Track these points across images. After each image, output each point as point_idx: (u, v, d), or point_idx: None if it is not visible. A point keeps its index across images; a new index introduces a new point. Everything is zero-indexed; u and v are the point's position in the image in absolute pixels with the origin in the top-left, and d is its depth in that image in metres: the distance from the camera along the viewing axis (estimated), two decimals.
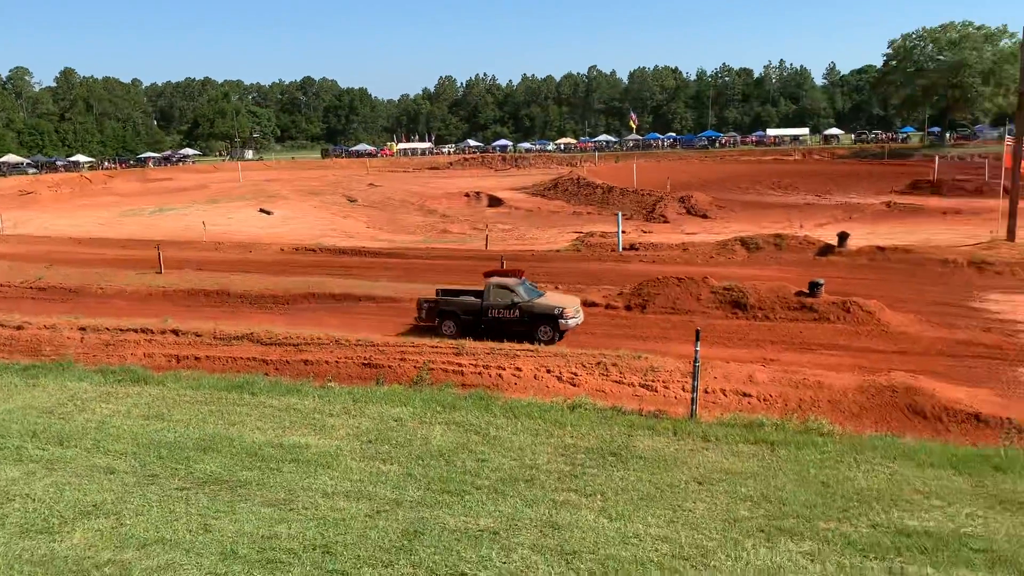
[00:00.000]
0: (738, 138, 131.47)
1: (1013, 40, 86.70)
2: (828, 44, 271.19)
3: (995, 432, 13.83)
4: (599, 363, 18.20)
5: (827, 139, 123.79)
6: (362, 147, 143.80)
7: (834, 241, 33.48)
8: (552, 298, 22.54)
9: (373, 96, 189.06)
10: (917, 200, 52.51)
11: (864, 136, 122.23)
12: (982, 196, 50.13)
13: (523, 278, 23.20)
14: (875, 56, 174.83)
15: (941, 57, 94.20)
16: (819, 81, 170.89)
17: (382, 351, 19.19)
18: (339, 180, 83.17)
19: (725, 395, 16.74)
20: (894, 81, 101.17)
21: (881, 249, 32.32)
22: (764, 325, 23.11)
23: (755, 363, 18.86)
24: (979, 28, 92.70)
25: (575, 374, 17.88)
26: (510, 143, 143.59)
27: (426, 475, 10.30)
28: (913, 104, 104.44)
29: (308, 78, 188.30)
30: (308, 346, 20.13)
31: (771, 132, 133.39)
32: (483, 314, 21.76)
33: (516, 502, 9.39)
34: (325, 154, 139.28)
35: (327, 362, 18.92)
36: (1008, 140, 37.51)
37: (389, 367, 18.09)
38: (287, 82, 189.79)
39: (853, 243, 33.33)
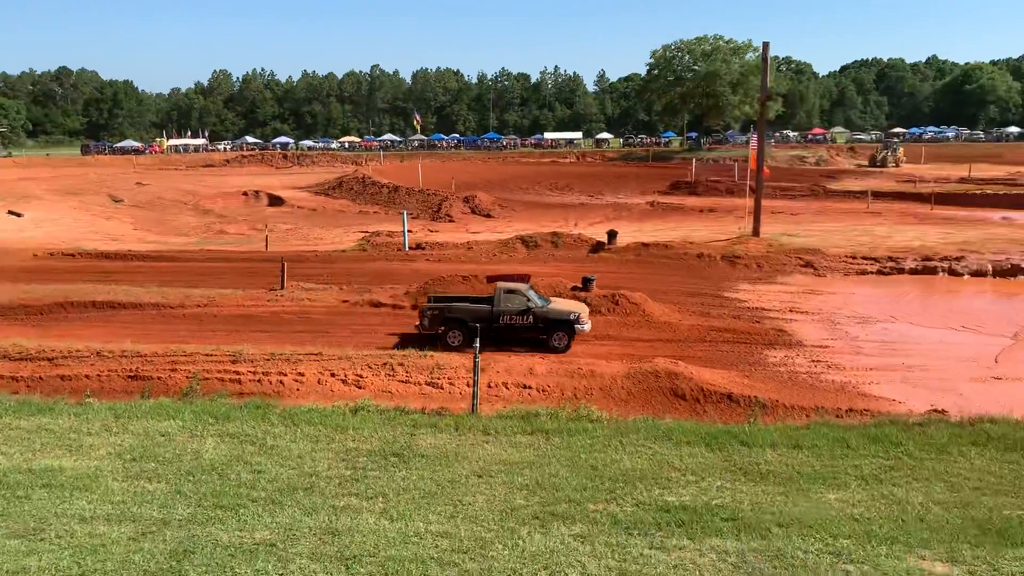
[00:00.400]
0: (518, 140, 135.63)
1: (757, 54, 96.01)
2: (598, 53, 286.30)
3: (744, 410, 15.29)
4: (385, 364, 18.17)
5: (599, 143, 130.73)
6: (128, 143, 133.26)
7: (605, 239, 35.52)
8: (562, 303, 21.82)
9: (140, 89, 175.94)
10: (677, 200, 56.85)
11: (631, 140, 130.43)
12: (733, 196, 55.19)
13: (529, 283, 22.32)
14: (640, 65, 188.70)
15: (696, 68, 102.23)
16: (591, 88, 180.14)
17: (150, 362, 17.99)
18: (102, 179, 76.60)
19: (507, 388, 17.31)
20: (656, 89, 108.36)
21: (646, 245, 34.70)
22: None
23: (535, 356, 19.64)
24: (728, 42, 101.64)
25: (360, 376, 17.72)
26: (291, 140, 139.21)
27: (197, 491, 9.78)
28: (673, 111, 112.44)
29: (64, 68, 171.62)
30: (65, 360, 18.44)
31: (548, 135, 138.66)
32: (494, 321, 20.65)
33: (294, 511, 9.15)
34: (86, 151, 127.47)
35: (87, 376, 17.44)
36: (752, 145, 41.54)
37: (158, 378, 17.01)
38: (39, 72, 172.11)
39: (622, 240, 35.53)
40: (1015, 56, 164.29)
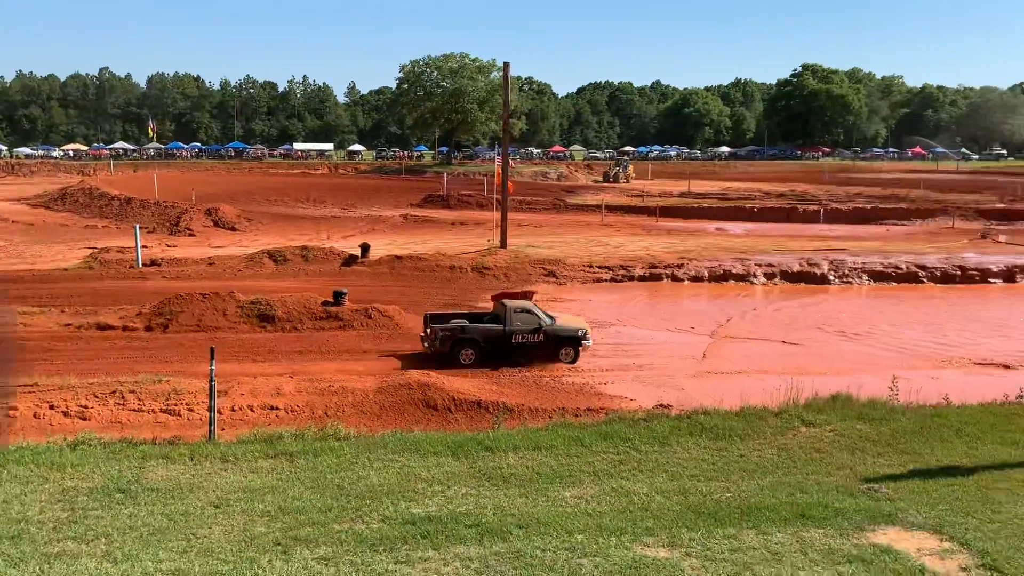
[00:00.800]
0: (266, 151, 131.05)
1: (501, 73, 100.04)
2: (349, 64, 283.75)
3: (493, 416, 15.75)
4: (115, 392, 16.75)
5: (351, 155, 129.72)
6: None
7: (358, 252, 35.24)
8: (567, 320, 22.13)
9: None
10: (430, 213, 57.70)
11: (384, 153, 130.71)
12: (483, 209, 56.99)
13: (532, 298, 22.36)
14: (391, 79, 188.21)
15: (444, 84, 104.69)
16: (342, 99, 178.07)
17: None
18: None
19: (253, 411, 16.58)
20: (407, 103, 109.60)
21: (399, 258, 34.88)
22: (292, 336, 23.41)
23: (284, 375, 19.01)
24: (474, 60, 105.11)
25: (85, 407, 16.19)
26: (4, 148, 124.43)
27: None
28: (424, 125, 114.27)
29: None
30: None
31: (298, 146, 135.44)
32: (507, 340, 20.66)
33: None
34: None
35: None
36: (498, 160, 43.15)
37: None
38: None
39: (375, 253, 35.45)
40: (725, 84, 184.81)
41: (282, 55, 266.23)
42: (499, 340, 20.86)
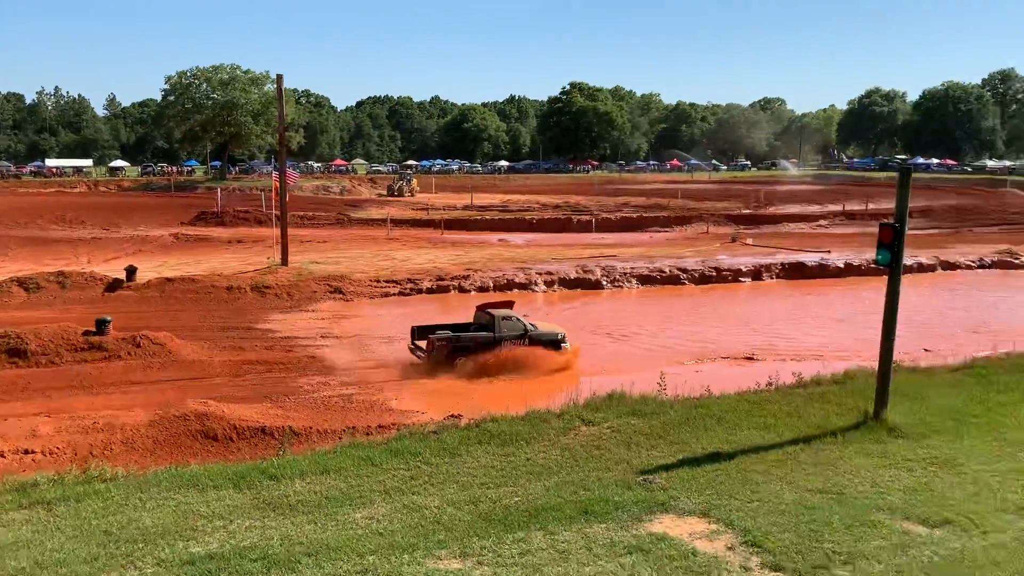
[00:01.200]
0: (13, 168, 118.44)
1: (275, 85, 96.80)
2: (107, 75, 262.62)
3: (279, 441, 15.21)
4: None
5: (113, 171, 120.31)
6: None
7: (123, 276, 32.79)
8: (547, 326, 23.31)
9: None
10: (204, 231, 54.70)
11: (151, 169, 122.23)
12: (262, 225, 54.86)
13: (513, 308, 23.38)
14: (155, 90, 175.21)
15: (215, 96, 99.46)
16: (101, 112, 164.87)
17: None
18: None
19: (4, 457, 14.98)
20: (174, 116, 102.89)
21: (170, 280, 32.84)
22: (50, 371, 21.45)
23: (40, 414, 17.34)
24: (246, 72, 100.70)
25: None
26: None
27: None
28: (194, 138, 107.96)
29: None
30: None
31: (51, 163, 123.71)
32: (496, 346, 21.72)
33: None
34: None
35: None
36: (275, 175, 41.81)
37: None
38: None
39: (143, 276, 33.18)
40: (500, 100, 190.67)
41: (29, 66, 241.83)
42: (491, 346, 21.88)
